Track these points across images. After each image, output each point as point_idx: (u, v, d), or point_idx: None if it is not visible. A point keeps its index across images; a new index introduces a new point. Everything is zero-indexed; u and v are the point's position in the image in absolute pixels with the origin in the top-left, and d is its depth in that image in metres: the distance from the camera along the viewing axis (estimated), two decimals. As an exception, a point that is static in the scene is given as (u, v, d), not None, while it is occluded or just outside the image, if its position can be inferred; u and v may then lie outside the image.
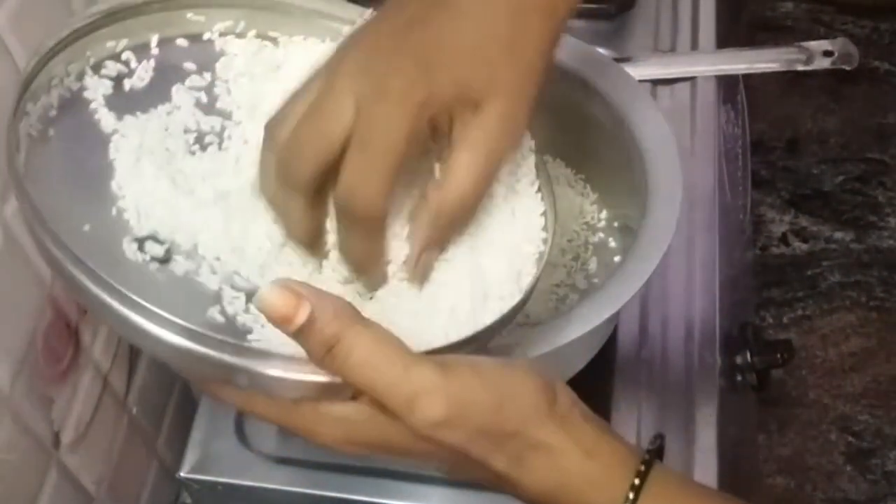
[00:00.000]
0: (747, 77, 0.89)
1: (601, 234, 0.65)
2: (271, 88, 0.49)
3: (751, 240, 1.38)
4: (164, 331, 0.37)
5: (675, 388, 0.67)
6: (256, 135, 0.45)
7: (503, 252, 0.45)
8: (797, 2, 1.88)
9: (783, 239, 1.60)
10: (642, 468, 0.40)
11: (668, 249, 0.54)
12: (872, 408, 1.45)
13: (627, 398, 0.67)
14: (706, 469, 0.63)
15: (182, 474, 0.65)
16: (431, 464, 0.40)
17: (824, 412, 1.45)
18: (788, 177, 1.66)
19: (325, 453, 0.65)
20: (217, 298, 0.42)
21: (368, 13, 0.50)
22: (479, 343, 0.41)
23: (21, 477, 0.53)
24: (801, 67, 0.80)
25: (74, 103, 0.47)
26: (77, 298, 0.40)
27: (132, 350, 0.66)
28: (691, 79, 0.82)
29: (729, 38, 0.92)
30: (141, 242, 0.43)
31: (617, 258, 0.63)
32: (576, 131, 0.67)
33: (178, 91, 0.49)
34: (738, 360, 0.77)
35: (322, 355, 0.36)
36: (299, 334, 0.36)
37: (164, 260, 0.43)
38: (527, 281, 0.45)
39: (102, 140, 0.46)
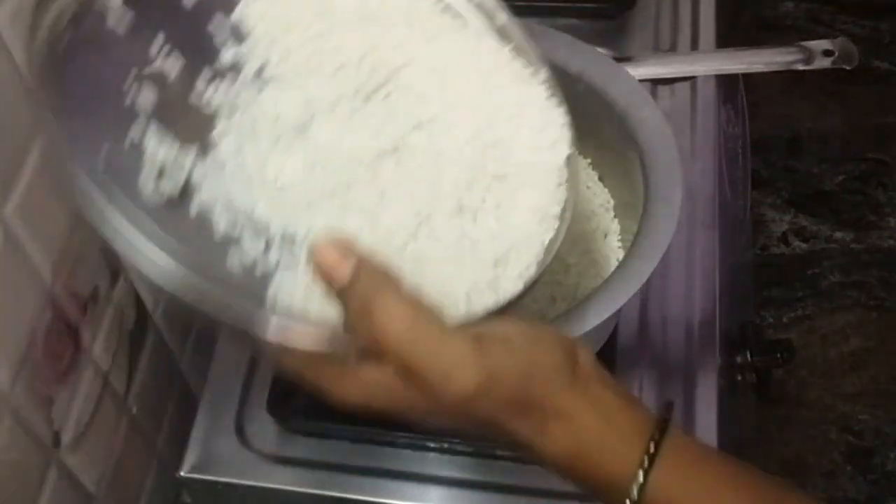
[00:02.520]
0: (747, 77, 0.89)
1: (601, 234, 0.65)
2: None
3: (751, 240, 1.38)
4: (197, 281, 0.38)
5: (675, 387, 0.67)
6: (276, 59, 0.45)
7: (524, 212, 0.45)
8: (797, 2, 1.88)
9: (783, 239, 1.60)
10: (657, 436, 0.40)
11: (668, 249, 0.54)
12: (872, 408, 1.45)
13: (627, 398, 0.67)
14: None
15: (182, 474, 0.65)
16: (451, 428, 0.41)
17: (824, 412, 1.45)
18: (788, 177, 1.66)
19: (326, 453, 0.65)
20: (231, 241, 0.41)
21: None
22: (505, 311, 0.42)
23: (21, 477, 0.53)
24: (801, 67, 0.80)
25: (87, 14, 0.44)
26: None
27: (132, 350, 0.66)
28: (691, 79, 0.82)
29: (729, 38, 0.92)
30: (158, 176, 0.42)
31: (617, 258, 0.63)
32: (577, 130, 0.67)
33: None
34: (738, 359, 0.77)
35: (358, 318, 0.38)
36: (343, 292, 0.38)
37: (180, 197, 0.42)
38: (547, 238, 0.45)
39: (118, 52, 0.44)
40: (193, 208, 0.42)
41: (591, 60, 0.63)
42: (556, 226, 0.45)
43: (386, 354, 0.38)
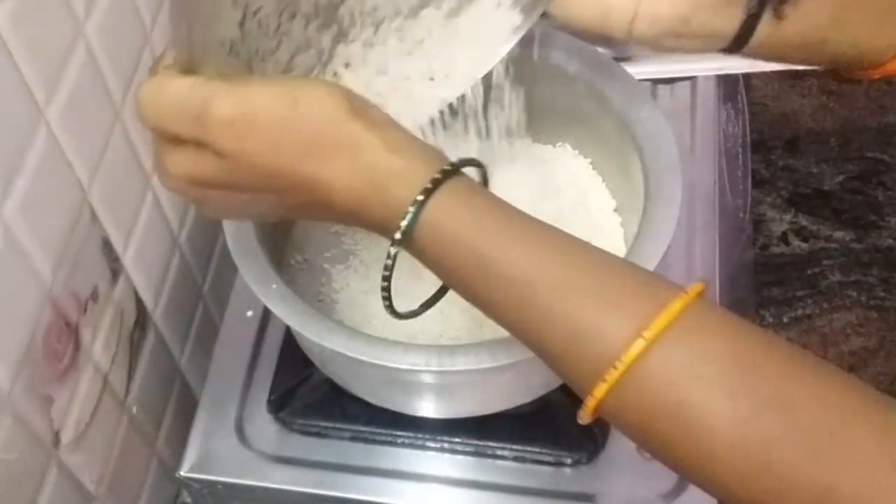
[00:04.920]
0: (747, 77, 0.89)
1: (602, 233, 0.65)
2: None
3: (751, 239, 1.38)
4: None
5: (675, 387, 0.67)
6: None
7: None
8: (797, 1, 1.87)
9: (783, 238, 1.60)
10: (448, 167, 0.40)
11: (668, 249, 0.54)
12: (872, 407, 1.44)
13: (627, 398, 0.66)
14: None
15: (182, 473, 0.65)
16: (256, 199, 0.42)
17: (824, 412, 1.44)
18: (788, 176, 1.66)
19: (326, 453, 0.65)
20: None
21: None
22: None
23: (21, 476, 0.53)
24: (801, 67, 0.80)
25: None
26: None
27: (132, 350, 0.66)
28: (691, 78, 0.82)
29: (729, 37, 0.92)
30: None
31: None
32: (577, 130, 0.67)
33: None
34: (738, 359, 0.76)
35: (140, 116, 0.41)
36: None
37: None
38: None
39: None
40: None
41: (591, 60, 0.63)
42: None
43: (174, 133, 0.41)
